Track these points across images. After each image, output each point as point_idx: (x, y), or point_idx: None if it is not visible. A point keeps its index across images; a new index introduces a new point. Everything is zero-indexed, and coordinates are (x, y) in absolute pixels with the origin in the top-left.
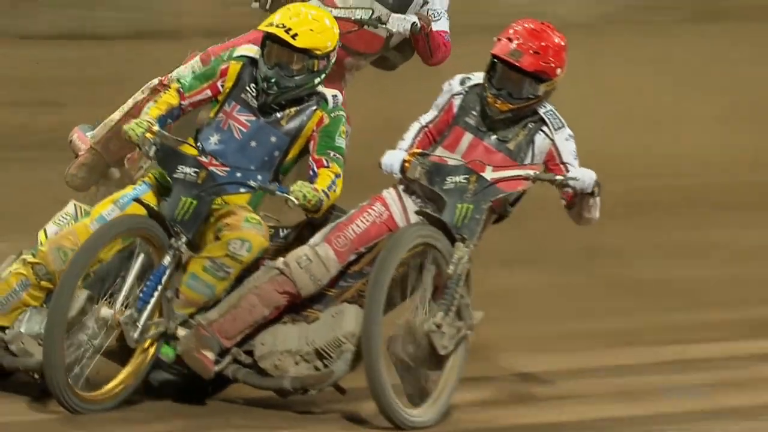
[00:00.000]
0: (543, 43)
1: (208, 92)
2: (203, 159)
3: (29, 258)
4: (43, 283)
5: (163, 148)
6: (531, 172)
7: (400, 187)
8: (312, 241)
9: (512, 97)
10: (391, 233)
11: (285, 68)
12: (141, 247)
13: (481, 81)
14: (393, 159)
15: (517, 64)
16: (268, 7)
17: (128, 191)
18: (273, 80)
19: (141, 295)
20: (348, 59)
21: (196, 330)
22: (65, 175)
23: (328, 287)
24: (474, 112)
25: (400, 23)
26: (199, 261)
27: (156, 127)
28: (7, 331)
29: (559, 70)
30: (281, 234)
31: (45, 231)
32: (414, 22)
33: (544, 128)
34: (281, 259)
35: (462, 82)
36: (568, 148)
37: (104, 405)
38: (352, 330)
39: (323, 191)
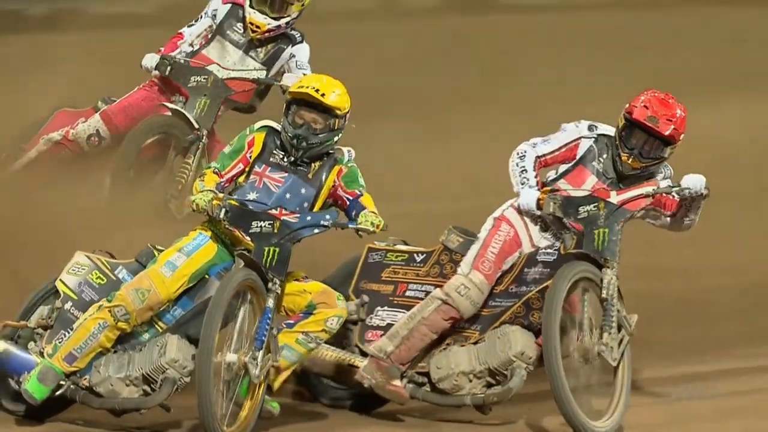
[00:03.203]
0: (673, 112)
1: (241, 165)
2: (273, 211)
3: (105, 304)
4: (120, 324)
5: (232, 210)
6: (650, 189)
7: (516, 205)
8: (461, 270)
9: (642, 157)
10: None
11: (310, 127)
12: (245, 296)
13: (607, 132)
14: (529, 198)
15: (656, 129)
16: (167, 73)
17: (190, 240)
18: (302, 137)
19: (257, 335)
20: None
21: (377, 364)
22: None
23: (481, 308)
24: (601, 159)
25: (293, 80)
26: (292, 335)
27: (220, 194)
28: (87, 375)
29: (683, 136)
30: (417, 259)
31: (62, 281)
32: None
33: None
34: (438, 290)
35: (590, 129)
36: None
37: None
38: (521, 349)
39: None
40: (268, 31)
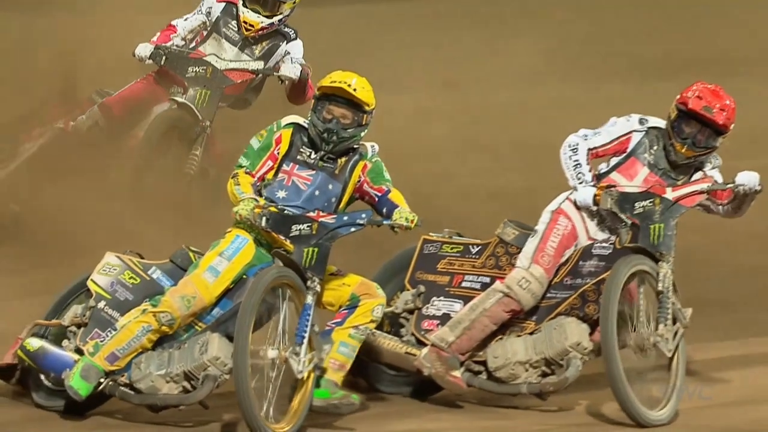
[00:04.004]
0: (726, 102)
1: (270, 162)
2: (311, 213)
3: (150, 308)
4: (163, 328)
5: (272, 216)
6: (705, 185)
7: (573, 198)
8: (521, 263)
9: (696, 146)
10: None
11: (340, 122)
12: (284, 293)
13: (657, 124)
14: (586, 195)
15: (711, 118)
16: (162, 62)
17: (229, 243)
18: (333, 131)
19: (297, 331)
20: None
21: (437, 353)
22: None
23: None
24: (652, 151)
25: (291, 71)
26: (344, 331)
27: (261, 202)
28: (126, 373)
29: (732, 126)
30: (473, 251)
31: (94, 281)
32: (301, 69)
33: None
34: (499, 283)
35: (641, 122)
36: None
37: None
38: (577, 340)
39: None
40: (262, 29)
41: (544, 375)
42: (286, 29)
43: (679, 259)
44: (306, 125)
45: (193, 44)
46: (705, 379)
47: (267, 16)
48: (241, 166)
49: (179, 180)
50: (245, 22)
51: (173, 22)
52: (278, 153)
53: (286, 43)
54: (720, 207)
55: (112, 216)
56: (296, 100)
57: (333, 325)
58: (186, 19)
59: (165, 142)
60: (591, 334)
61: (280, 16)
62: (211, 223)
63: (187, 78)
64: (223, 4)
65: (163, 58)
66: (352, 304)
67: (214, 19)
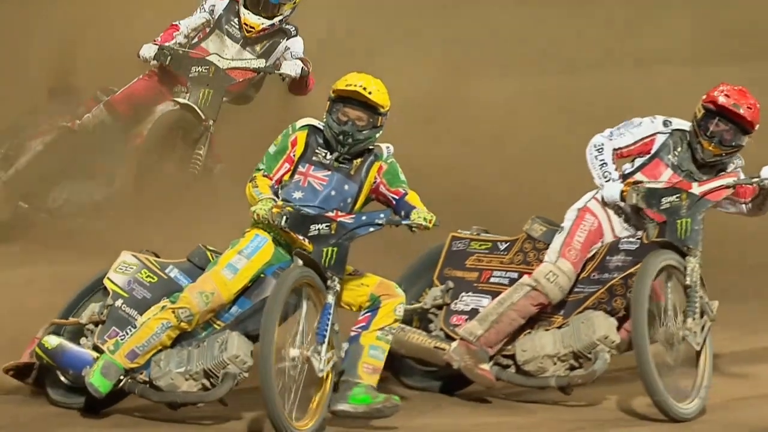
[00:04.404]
0: (752, 101)
1: (287, 165)
2: (330, 213)
3: (168, 305)
4: (182, 324)
5: (291, 216)
6: (731, 180)
7: (599, 197)
8: (549, 258)
9: (722, 144)
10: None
11: (355, 124)
12: (305, 293)
13: (681, 126)
14: (613, 191)
15: (741, 114)
16: (167, 63)
17: (248, 242)
18: (348, 133)
19: (318, 330)
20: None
21: (466, 346)
22: None
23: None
24: (676, 153)
25: (292, 68)
26: (371, 334)
27: (279, 202)
28: (144, 371)
29: (757, 126)
30: (501, 247)
31: (111, 279)
32: (302, 66)
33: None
34: (527, 277)
35: (665, 124)
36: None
37: (309, 430)
38: (605, 334)
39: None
40: (263, 30)
41: (572, 368)
42: (286, 26)
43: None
44: (321, 127)
45: (196, 40)
46: (735, 374)
47: (267, 17)
48: (258, 170)
49: (183, 178)
50: (246, 24)
51: (176, 21)
52: (294, 155)
53: (287, 40)
54: (743, 206)
55: (118, 214)
56: (297, 93)
57: (359, 330)
58: (189, 18)
59: (169, 142)
60: (618, 329)
61: (280, 17)
62: (218, 221)
63: (190, 78)
64: (227, 1)
65: (168, 58)
66: (374, 306)
67: (217, 17)
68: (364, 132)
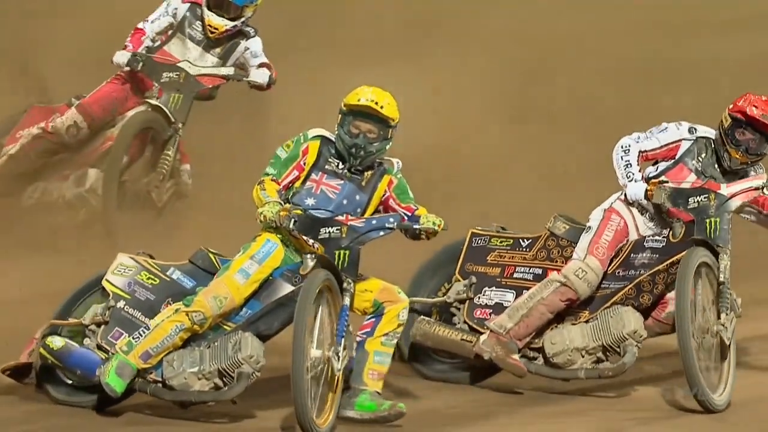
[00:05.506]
0: None
1: (296, 172)
2: (340, 217)
3: (182, 308)
4: (195, 327)
5: (300, 219)
6: (760, 182)
7: (623, 197)
8: (577, 255)
9: (749, 153)
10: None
11: (366, 137)
12: (324, 296)
13: (705, 134)
14: (637, 189)
15: None
16: (139, 68)
17: (259, 247)
18: (360, 146)
19: (337, 331)
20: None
21: (496, 338)
22: None
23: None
24: (700, 159)
25: (261, 76)
26: (375, 341)
27: (287, 205)
28: (155, 371)
29: None
30: (523, 244)
31: (109, 281)
32: (270, 75)
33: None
34: (556, 273)
35: (690, 131)
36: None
37: (326, 428)
38: (634, 328)
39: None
40: (226, 31)
41: (598, 361)
42: (246, 28)
43: None
44: (332, 138)
45: (159, 43)
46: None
47: (231, 19)
48: (267, 174)
49: (147, 177)
50: (210, 26)
51: (140, 25)
52: (305, 164)
53: (246, 41)
54: (763, 217)
55: (90, 214)
56: (263, 89)
57: (364, 336)
58: (152, 22)
59: (139, 143)
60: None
61: (243, 19)
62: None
63: (162, 83)
64: (188, 4)
65: (140, 64)
66: (377, 312)
67: (179, 20)
68: (375, 144)
